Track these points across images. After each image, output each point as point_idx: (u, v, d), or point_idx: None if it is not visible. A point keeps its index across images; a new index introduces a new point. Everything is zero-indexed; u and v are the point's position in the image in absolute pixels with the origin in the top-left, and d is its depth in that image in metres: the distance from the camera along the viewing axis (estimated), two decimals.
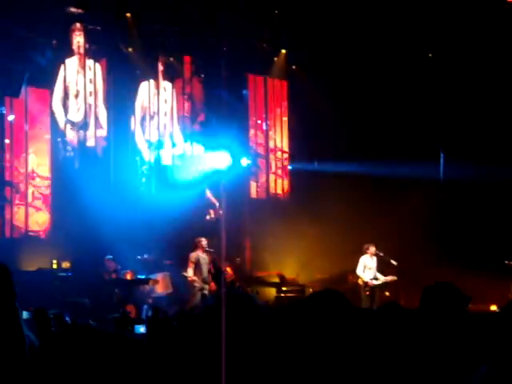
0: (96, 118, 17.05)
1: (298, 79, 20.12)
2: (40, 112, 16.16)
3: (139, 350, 3.46)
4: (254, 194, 20.03)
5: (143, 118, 17.98)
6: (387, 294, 16.54)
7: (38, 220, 16.01)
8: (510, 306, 3.60)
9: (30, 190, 15.94)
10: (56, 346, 3.16)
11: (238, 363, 3.21)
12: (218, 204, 17.69)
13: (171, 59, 18.33)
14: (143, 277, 15.40)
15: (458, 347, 3.73)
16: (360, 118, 18.86)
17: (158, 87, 18.10)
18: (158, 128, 18.18)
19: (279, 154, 20.65)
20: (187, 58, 18.62)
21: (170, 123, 18.49)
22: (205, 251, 15.10)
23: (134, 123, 17.79)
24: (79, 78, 16.79)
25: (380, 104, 18.97)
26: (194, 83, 18.98)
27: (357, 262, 15.76)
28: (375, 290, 15.43)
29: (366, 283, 15.42)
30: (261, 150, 20.33)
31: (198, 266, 14.85)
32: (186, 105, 18.84)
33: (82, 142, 16.81)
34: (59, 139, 16.49)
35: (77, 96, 16.79)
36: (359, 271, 15.59)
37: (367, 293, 15.34)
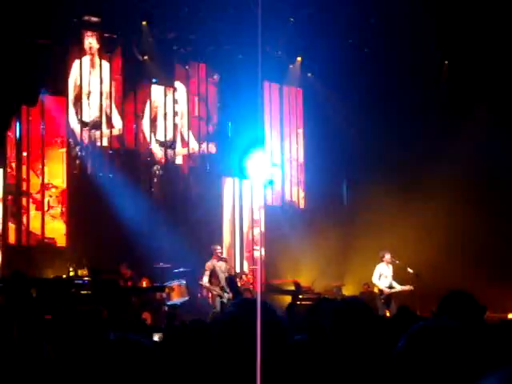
0: (108, 119, 17.09)
1: (313, 87, 20.12)
2: (57, 120, 16.23)
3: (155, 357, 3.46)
4: (269, 201, 20.04)
5: (154, 119, 18.03)
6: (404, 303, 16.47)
7: (55, 228, 16.06)
8: None
9: (46, 199, 15.99)
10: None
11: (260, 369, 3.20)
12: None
13: (187, 67, 18.39)
14: (159, 284, 15.41)
15: (474, 356, 3.70)
16: (375, 126, 18.81)
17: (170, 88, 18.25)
18: (170, 128, 18.24)
19: (294, 162, 20.64)
20: (202, 66, 18.69)
21: (182, 123, 18.54)
22: (220, 259, 15.12)
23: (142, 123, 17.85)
24: (92, 79, 16.88)
25: (397, 110, 18.94)
26: (209, 87, 19.01)
27: (373, 269, 15.69)
28: (391, 298, 15.35)
29: (381, 291, 15.34)
30: (276, 158, 20.34)
31: (214, 274, 14.86)
32: (200, 107, 18.89)
33: (94, 143, 16.85)
34: (71, 140, 16.49)
35: (89, 96, 16.86)
36: (375, 279, 15.52)
37: (383, 301, 15.26)
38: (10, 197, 15.65)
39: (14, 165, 15.70)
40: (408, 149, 18.78)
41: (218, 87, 19.11)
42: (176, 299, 15.53)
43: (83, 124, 16.62)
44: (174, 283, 15.69)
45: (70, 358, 4.55)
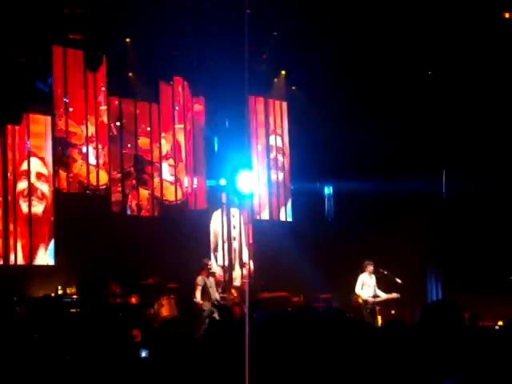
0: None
1: (297, 100, 20.18)
2: (40, 138, 16.23)
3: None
4: (257, 215, 20.04)
5: None
6: (392, 312, 16.52)
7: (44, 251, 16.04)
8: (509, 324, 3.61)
9: (33, 224, 15.96)
10: None
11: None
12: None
13: (171, 82, 18.43)
14: (148, 301, 15.39)
15: (458, 363, 3.73)
16: (360, 137, 18.87)
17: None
18: None
19: (281, 175, 20.66)
20: (186, 82, 18.72)
21: None
22: (210, 274, 15.15)
23: None
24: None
25: (380, 123, 19.02)
26: (195, 105, 19.05)
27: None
28: (375, 307, 15.40)
29: (365, 301, 15.42)
30: (262, 172, 20.36)
31: (205, 289, 14.86)
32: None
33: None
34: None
35: None
36: (358, 289, 15.62)
37: (368, 310, 15.33)
38: None
39: None
40: (394, 160, 18.87)
41: (204, 105, 19.11)
42: (165, 315, 15.51)
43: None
44: (164, 299, 15.69)
45: (62, 376, 4.55)
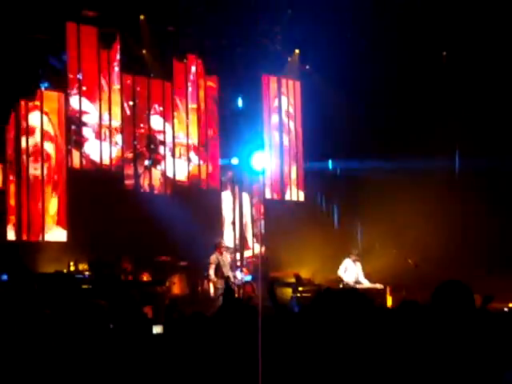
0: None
1: (311, 79, 20.10)
2: (53, 114, 16.25)
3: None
4: (268, 194, 20.04)
5: None
6: (403, 293, 16.50)
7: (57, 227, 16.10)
8: None
9: (46, 201, 16.01)
10: None
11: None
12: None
13: (184, 60, 18.38)
14: (159, 278, 15.44)
15: (468, 344, 3.73)
16: (374, 117, 18.80)
17: None
18: None
19: (293, 154, 20.62)
20: (199, 60, 18.67)
21: None
22: (225, 252, 15.19)
23: None
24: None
25: (393, 102, 18.94)
26: (208, 82, 19.01)
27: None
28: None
29: (346, 283, 15.53)
30: (274, 151, 20.33)
31: (218, 267, 14.90)
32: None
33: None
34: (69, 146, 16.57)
35: None
36: (340, 272, 15.70)
37: None
38: None
39: None
40: (407, 139, 18.80)
41: (217, 83, 19.06)
42: (177, 293, 15.56)
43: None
44: (175, 277, 15.74)
45: (72, 349, 4.57)
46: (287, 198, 20.27)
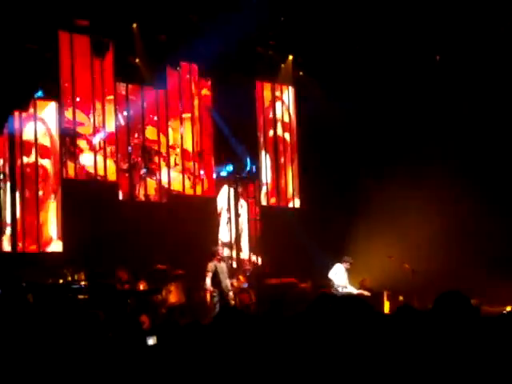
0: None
1: (305, 85, 20.09)
2: (46, 124, 16.22)
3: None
4: (264, 201, 20.01)
5: None
6: (401, 298, 16.47)
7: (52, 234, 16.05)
8: None
9: (41, 212, 15.96)
10: None
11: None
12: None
13: (178, 68, 18.37)
14: (156, 287, 15.39)
15: (468, 351, 3.71)
16: (368, 121, 18.80)
17: None
18: None
19: (288, 160, 20.61)
20: (194, 67, 18.67)
21: None
22: (222, 260, 15.14)
23: None
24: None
25: (389, 108, 18.93)
26: (202, 87, 19.00)
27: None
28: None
29: (337, 286, 15.48)
30: (271, 157, 20.32)
31: (215, 275, 14.84)
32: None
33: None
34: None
35: None
36: (332, 274, 15.58)
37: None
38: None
39: None
40: (405, 144, 18.79)
41: (211, 89, 19.06)
42: (173, 301, 15.52)
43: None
44: (171, 285, 15.69)
45: (69, 359, 4.54)
46: (283, 204, 20.25)
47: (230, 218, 19.37)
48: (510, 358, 3.77)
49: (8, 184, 15.57)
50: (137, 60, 17.45)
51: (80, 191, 16.21)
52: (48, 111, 16.22)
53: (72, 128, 16.49)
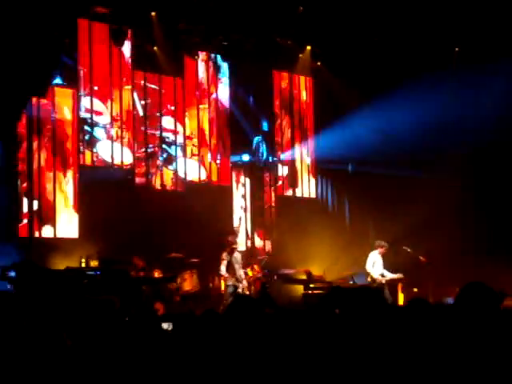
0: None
1: (323, 76, 20.04)
2: (64, 111, 16.27)
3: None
4: (279, 191, 20.04)
5: None
6: (415, 289, 16.46)
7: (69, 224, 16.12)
8: None
9: (58, 196, 16.04)
10: None
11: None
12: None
13: (196, 57, 18.38)
14: (171, 275, 15.46)
15: (492, 345, 3.70)
16: (385, 113, 18.73)
17: None
18: None
19: (304, 151, 20.60)
20: (211, 55, 18.68)
21: None
22: (236, 250, 15.16)
23: None
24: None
25: (407, 98, 18.85)
26: (219, 80, 19.01)
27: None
28: (384, 286, 15.29)
29: (374, 280, 15.35)
30: (286, 148, 20.32)
31: (230, 264, 14.88)
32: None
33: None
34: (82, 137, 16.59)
35: None
36: (369, 267, 15.46)
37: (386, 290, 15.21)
38: None
39: None
40: (419, 135, 18.73)
41: (228, 82, 19.06)
42: (188, 289, 15.58)
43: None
44: (186, 273, 15.75)
45: (85, 346, 4.57)
46: (298, 194, 20.26)
47: (245, 207, 19.39)
48: None
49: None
50: (155, 48, 17.47)
51: (96, 178, 16.27)
52: (66, 98, 16.28)
53: (89, 116, 16.54)
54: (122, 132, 16.97)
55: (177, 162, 18.00)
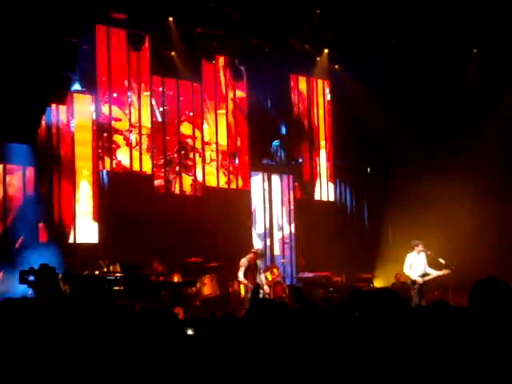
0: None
1: (340, 79, 20.03)
2: (83, 117, 16.34)
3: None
4: (299, 195, 20.03)
5: None
6: (436, 292, 16.35)
7: (88, 229, 16.19)
8: None
9: (77, 204, 16.11)
10: None
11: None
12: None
13: (213, 62, 18.42)
14: (190, 279, 15.47)
15: (507, 343, 3.67)
16: (404, 115, 18.69)
17: None
18: None
19: (323, 153, 20.59)
20: (229, 59, 18.71)
21: None
22: (258, 257, 15.10)
23: None
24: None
25: (424, 101, 18.81)
26: (237, 84, 19.03)
27: (403, 260, 15.55)
28: (424, 287, 15.15)
29: (414, 281, 15.14)
30: (304, 152, 20.31)
31: (249, 270, 14.85)
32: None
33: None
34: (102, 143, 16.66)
35: None
36: (406, 269, 15.25)
37: (416, 291, 15.04)
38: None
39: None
40: (436, 138, 18.68)
41: (246, 88, 19.09)
42: (208, 294, 15.59)
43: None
44: (206, 278, 15.76)
45: (104, 351, 4.58)
46: (317, 197, 20.24)
47: (265, 211, 19.41)
48: None
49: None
50: (172, 53, 17.52)
51: (116, 183, 16.35)
52: (84, 104, 16.36)
53: (108, 123, 16.62)
54: (140, 138, 17.03)
55: (196, 167, 18.03)
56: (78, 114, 16.22)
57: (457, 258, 15.85)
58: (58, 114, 15.92)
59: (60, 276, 11.93)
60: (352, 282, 17.67)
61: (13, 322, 4.12)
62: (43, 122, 15.60)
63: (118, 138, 16.79)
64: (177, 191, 17.72)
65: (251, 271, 14.80)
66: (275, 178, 19.73)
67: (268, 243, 19.34)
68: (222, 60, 18.66)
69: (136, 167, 16.90)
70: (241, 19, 17.19)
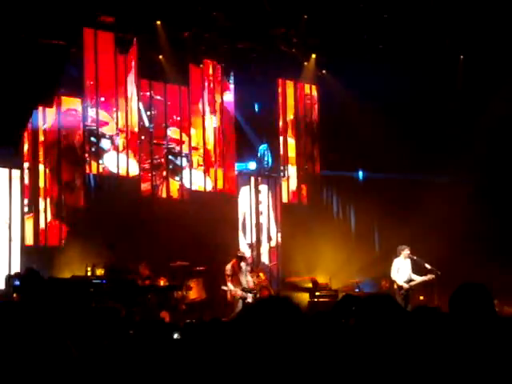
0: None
1: (328, 84, 20.05)
2: (71, 121, 16.30)
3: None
4: (285, 199, 20.03)
5: None
6: (421, 297, 16.40)
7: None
8: None
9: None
10: None
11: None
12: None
13: (201, 66, 18.41)
14: (176, 283, 15.44)
15: (488, 349, 3.68)
16: (390, 121, 18.73)
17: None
18: None
19: (310, 159, 20.60)
20: (216, 64, 18.70)
21: None
22: (243, 260, 15.11)
23: None
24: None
25: (410, 107, 18.87)
26: (224, 85, 19.02)
27: (389, 265, 15.58)
28: (410, 292, 15.20)
29: (400, 286, 15.18)
30: (291, 155, 20.32)
31: (234, 276, 14.85)
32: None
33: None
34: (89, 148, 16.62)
35: None
36: (393, 274, 15.29)
37: (402, 296, 15.08)
38: None
39: None
40: (422, 144, 18.74)
41: (234, 92, 19.09)
42: (194, 298, 15.58)
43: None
44: (192, 282, 15.75)
45: (91, 354, 4.57)
46: (304, 202, 20.25)
47: (251, 216, 19.41)
48: None
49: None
50: (160, 57, 17.50)
51: (102, 187, 16.31)
52: (71, 108, 16.31)
53: (95, 128, 16.58)
54: (128, 143, 17.00)
55: (182, 172, 18.00)
56: (66, 117, 16.17)
57: (442, 263, 15.91)
58: (44, 116, 15.86)
59: (45, 280, 11.90)
60: (338, 286, 17.69)
61: None
62: (29, 125, 15.56)
63: (104, 142, 16.74)
64: (164, 195, 17.69)
65: (236, 275, 14.82)
66: (262, 182, 19.72)
67: (255, 247, 19.32)
68: (209, 64, 18.64)
69: (123, 171, 16.87)
70: (229, 24, 17.19)
